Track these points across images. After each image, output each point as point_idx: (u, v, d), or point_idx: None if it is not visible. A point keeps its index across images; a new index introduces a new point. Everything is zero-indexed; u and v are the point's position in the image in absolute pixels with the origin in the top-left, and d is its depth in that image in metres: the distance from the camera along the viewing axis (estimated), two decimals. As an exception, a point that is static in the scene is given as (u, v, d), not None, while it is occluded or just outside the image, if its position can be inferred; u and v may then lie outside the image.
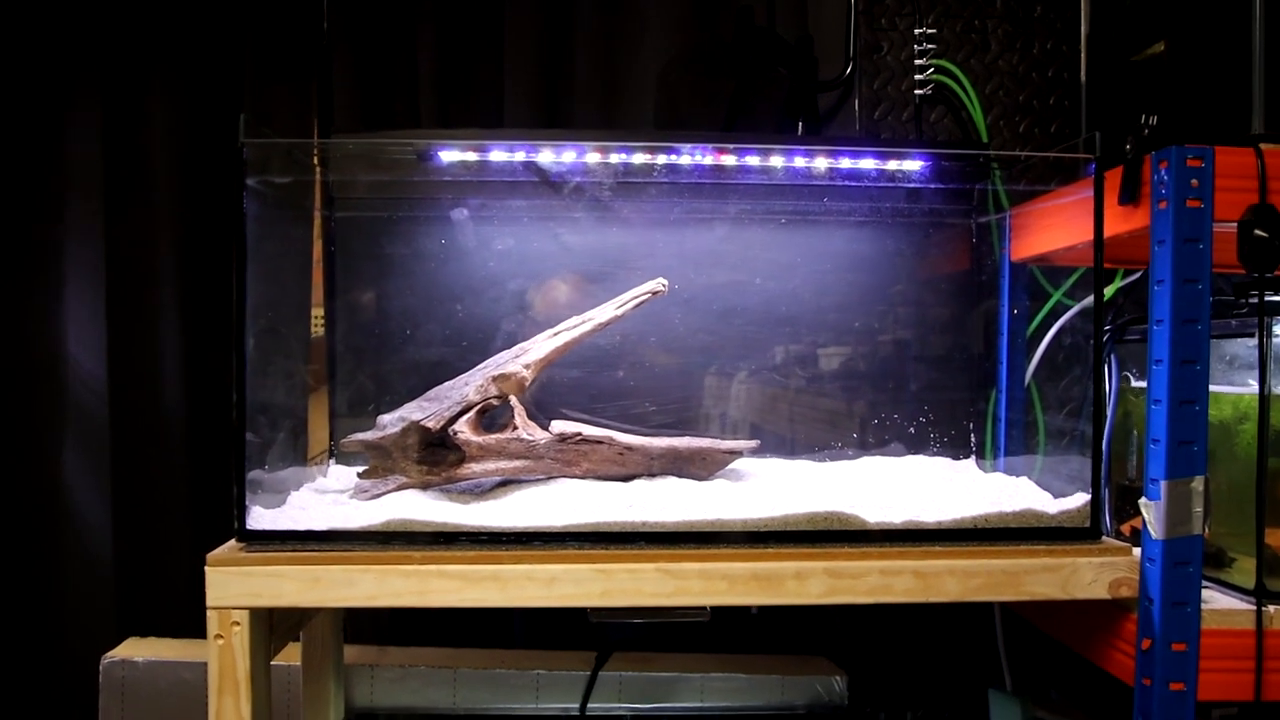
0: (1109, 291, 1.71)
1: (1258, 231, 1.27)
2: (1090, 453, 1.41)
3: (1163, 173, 1.29)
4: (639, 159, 1.65)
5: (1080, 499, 1.40)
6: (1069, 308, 1.71)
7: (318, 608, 1.64)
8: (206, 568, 1.31)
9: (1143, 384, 1.62)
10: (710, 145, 1.59)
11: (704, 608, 1.35)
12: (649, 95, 1.90)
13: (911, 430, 1.78)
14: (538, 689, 1.79)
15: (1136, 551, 1.35)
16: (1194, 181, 1.27)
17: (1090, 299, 1.71)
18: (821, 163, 1.64)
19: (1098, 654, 1.42)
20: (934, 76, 1.77)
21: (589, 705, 1.78)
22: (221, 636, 1.31)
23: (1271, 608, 1.30)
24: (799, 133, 1.80)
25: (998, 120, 1.78)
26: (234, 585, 1.31)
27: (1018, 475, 1.65)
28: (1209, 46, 1.41)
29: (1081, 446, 1.75)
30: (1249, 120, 1.32)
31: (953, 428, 1.78)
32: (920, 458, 1.77)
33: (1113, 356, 1.62)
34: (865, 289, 1.80)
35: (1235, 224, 1.28)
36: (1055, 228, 1.60)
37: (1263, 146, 1.29)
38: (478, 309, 1.76)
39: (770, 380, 1.80)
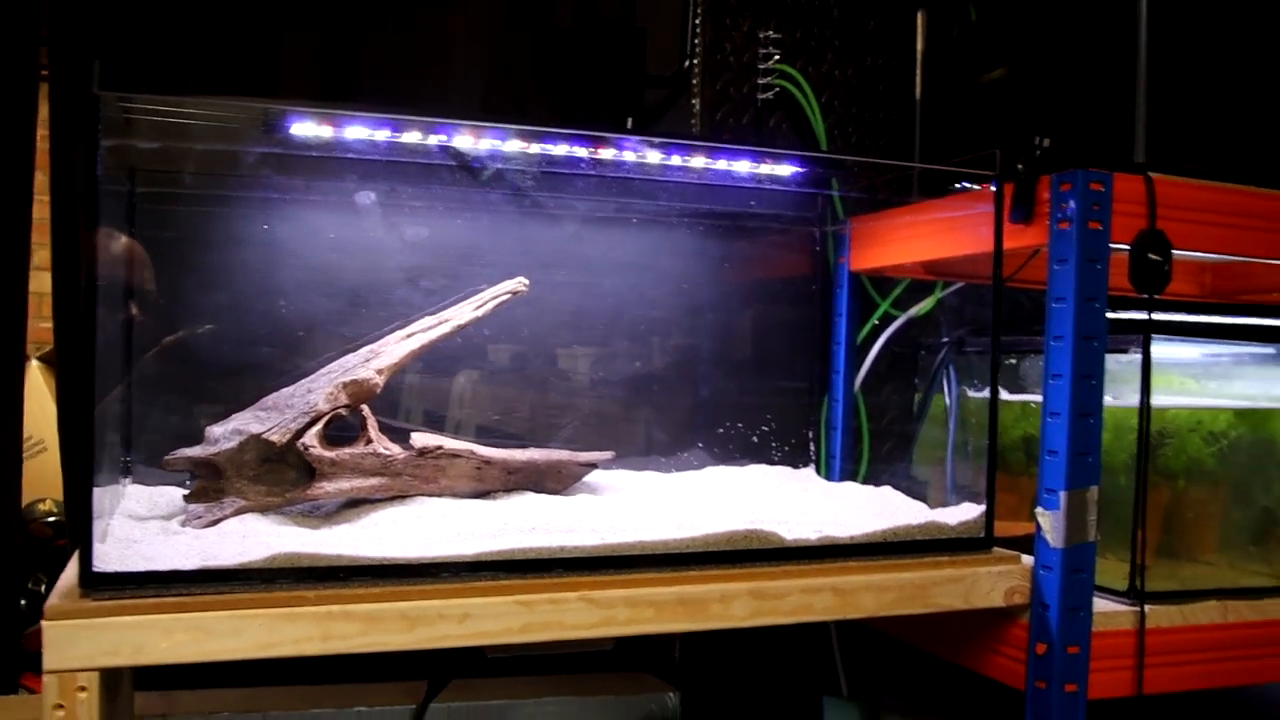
0: (929, 304, 1.77)
1: (1151, 255, 1.34)
2: (921, 457, 1.45)
3: (1065, 194, 1.34)
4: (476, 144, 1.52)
5: (974, 510, 1.43)
6: (894, 318, 1.76)
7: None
8: (44, 622, 1.06)
9: (979, 395, 1.68)
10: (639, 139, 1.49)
11: (609, 638, 1.26)
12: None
13: (753, 439, 1.76)
14: (358, 728, 1.61)
15: (1025, 559, 1.39)
16: (1095, 205, 1.33)
17: (916, 308, 1.77)
18: (680, 160, 1.57)
19: (977, 660, 1.45)
20: (777, 81, 1.75)
21: (415, 742, 1.62)
22: (63, 706, 1.07)
23: (1148, 607, 1.39)
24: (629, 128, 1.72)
25: (831, 130, 1.79)
26: (82, 642, 1.06)
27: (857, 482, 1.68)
28: (1072, 77, 1.48)
29: (907, 452, 1.81)
30: (1131, 149, 1.40)
31: (789, 436, 1.78)
32: (762, 466, 1.75)
33: (951, 368, 1.68)
34: (702, 297, 1.76)
35: (1128, 247, 1.35)
36: (911, 240, 1.63)
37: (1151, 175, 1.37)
38: (301, 303, 1.55)
39: (601, 389, 1.72)
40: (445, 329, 1.47)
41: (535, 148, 1.54)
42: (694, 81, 1.74)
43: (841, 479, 1.75)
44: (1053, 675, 1.34)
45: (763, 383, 1.78)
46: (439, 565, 1.20)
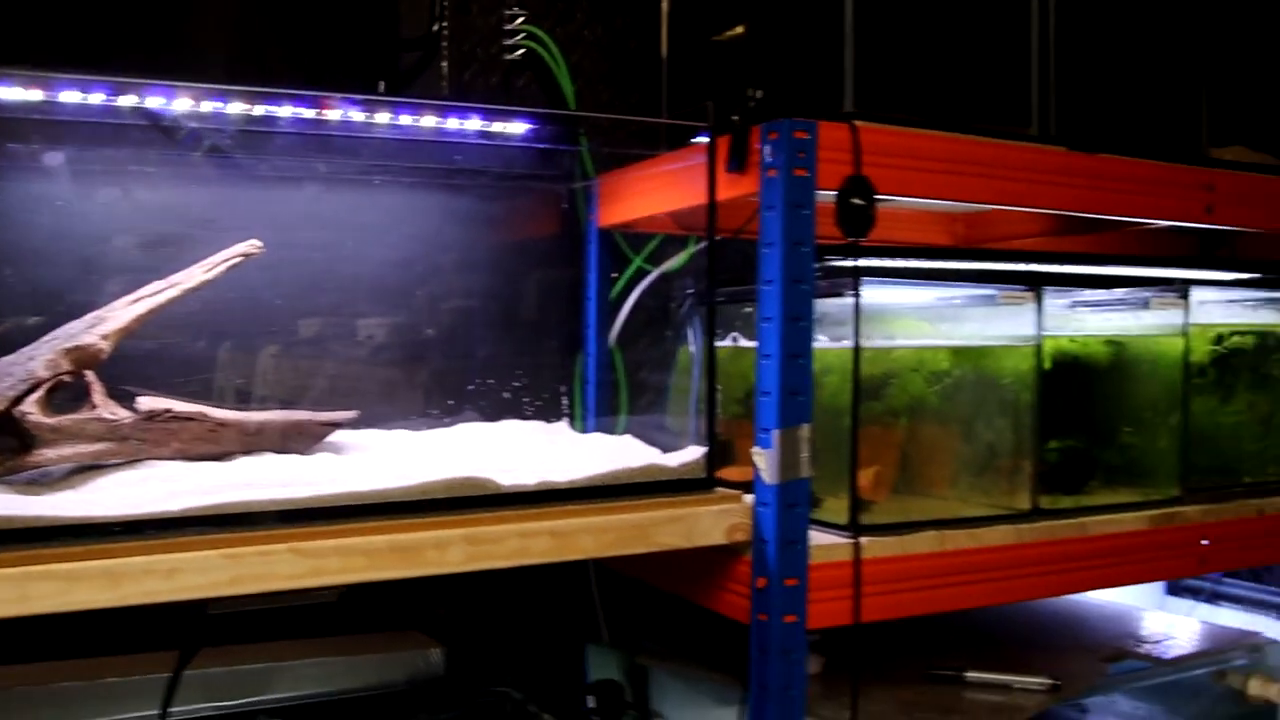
0: (682, 259, 1.81)
1: (854, 200, 1.40)
2: (674, 408, 1.49)
3: (773, 143, 1.38)
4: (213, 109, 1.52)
5: (697, 452, 1.47)
6: (648, 273, 1.80)
7: None
8: None
9: (721, 344, 1.73)
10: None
11: (333, 588, 1.27)
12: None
13: (506, 396, 1.79)
14: (112, 699, 1.60)
15: (747, 498, 1.44)
16: (800, 153, 1.38)
17: (669, 263, 1.82)
18: (420, 122, 1.59)
19: (709, 598, 1.51)
20: (524, 42, 1.77)
21: (172, 709, 1.62)
22: None
23: (865, 540, 1.45)
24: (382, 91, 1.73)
25: (582, 89, 1.82)
26: None
27: (609, 435, 1.71)
28: (790, 30, 1.53)
29: (663, 404, 1.86)
30: (840, 99, 1.45)
31: (544, 392, 1.81)
32: (515, 421, 1.78)
33: (696, 319, 1.72)
34: (453, 256, 1.78)
35: (835, 193, 1.40)
36: (648, 194, 1.67)
37: (856, 123, 1.42)
38: (28, 274, 1.54)
39: (354, 351, 1.74)
40: (174, 292, 1.47)
41: (280, 111, 1.55)
42: (443, 44, 1.76)
43: (597, 432, 1.79)
44: (772, 607, 1.39)
45: (518, 341, 1.81)
46: (144, 522, 1.21)
